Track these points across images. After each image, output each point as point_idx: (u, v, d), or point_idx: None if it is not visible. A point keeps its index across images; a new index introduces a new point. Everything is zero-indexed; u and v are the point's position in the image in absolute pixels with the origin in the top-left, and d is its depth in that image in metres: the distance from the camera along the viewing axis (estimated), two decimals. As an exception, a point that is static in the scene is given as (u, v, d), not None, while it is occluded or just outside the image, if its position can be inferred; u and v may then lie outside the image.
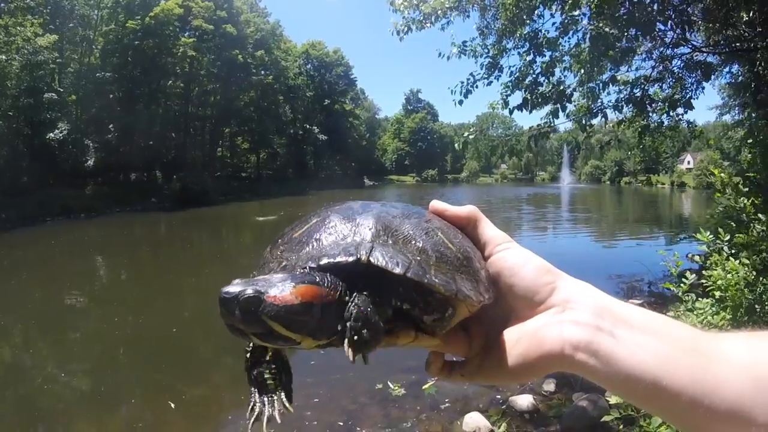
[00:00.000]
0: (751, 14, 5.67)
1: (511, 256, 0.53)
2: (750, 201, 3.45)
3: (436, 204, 0.57)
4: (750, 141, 4.69)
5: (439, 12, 6.23)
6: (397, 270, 0.45)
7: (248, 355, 0.51)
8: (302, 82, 52.81)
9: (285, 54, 47.78)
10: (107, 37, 32.67)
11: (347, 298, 0.45)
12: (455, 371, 0.54)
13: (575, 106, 6.65)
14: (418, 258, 0.47)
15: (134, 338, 7.10)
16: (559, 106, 6.11)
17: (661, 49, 6.67)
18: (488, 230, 0.55)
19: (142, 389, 5.63)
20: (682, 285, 3.22)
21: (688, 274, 3.29)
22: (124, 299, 9.56)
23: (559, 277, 0.50)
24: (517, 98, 6.34)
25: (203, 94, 40.72)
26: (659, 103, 6.54)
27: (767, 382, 0.39)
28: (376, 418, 4.50)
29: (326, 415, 4.56)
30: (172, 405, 4.93)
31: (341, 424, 4.43)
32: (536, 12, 6.03)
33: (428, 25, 6.32)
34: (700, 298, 3.21)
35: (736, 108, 15.38)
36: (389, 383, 4.95)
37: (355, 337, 0.42)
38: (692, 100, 6.52)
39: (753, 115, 7.20)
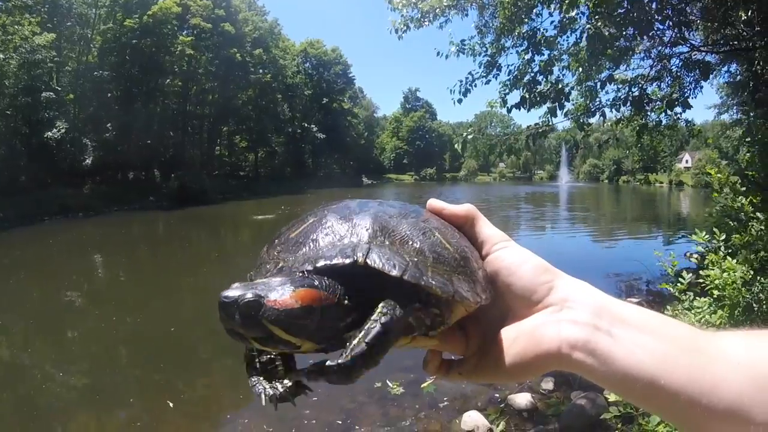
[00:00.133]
0: (749, 13, 5.67)
1: (509, 255, 0.52)
2: (748, 200, 3.46)
3: (434, 203, 0.57)
4: (748, 140, 4.71)
5: (438, 10, 6.22)
6: (394, 272, 0.45)
7: None
8: (300, 80, 52.75)
9: (283, 52, 47.69)
10: (105, 35, 32.56)
11: (346, 301, 0.45)
12: (453, 370, 0.53)
13: (573, 104, 6.66)
14: (415, 259, 0.47)
15: (133, 337, 7.09)
16: (556, 104, 6.11)
17: (660, 48, 6.67)
18: (486, 229, 0.55)
19: (141, 388, 5.63)
20: (679, 284, 3.23)
21: (685, 273, 3.29)
22: (122, 298, 9.54)
23: (557, 276, 0.50)
24: (515, 97, 6.36)
25: (201, 92, 40.66)
26: (657, 102, 6.54)
27: (766, 380, 0.39)
28: (375, 416, 4.50)
29: (325, 414, 4.56)
30: (171, 404, 4.93)
31: (340, 422, 4.43)
32: (534, 11, 6.03)
33: (426, 23, 6.32)
34: (698, 297, 3.21)
35: (735, 107, 15.40)
36: (388, 382, 4.96)
37: (360, 355, 0.41)
38: (691, 99, 6.53)
39: (751, 114, 7.21)
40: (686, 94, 6.72)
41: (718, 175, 3.60)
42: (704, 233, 3.28)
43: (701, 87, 6.84)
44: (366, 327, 0.43)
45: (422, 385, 4.80)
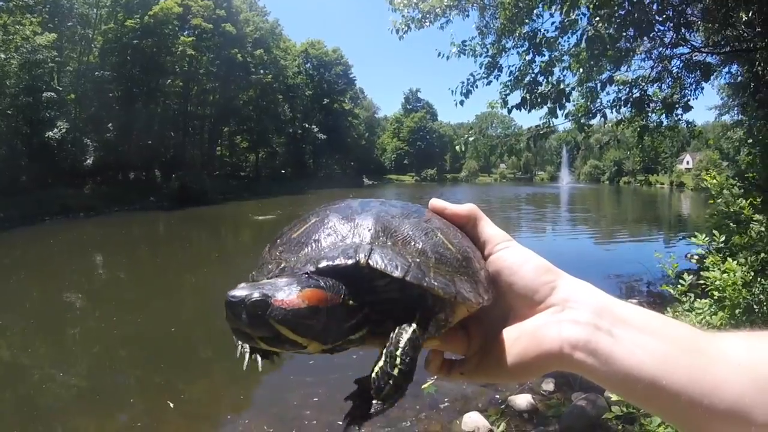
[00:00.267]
0: (750, 14, 5.66)
1: (511, 255, 0.52)
2: (748, 201, 3.45)
3: (436, 202, 0.57)
4: (750, 141, 4.70)
5: (438, 10, 6.22)
6: (397, 273, 0.45)
7: None
8: (301, 81, 52.75)
9: (284, 53, 47.73)
10: (106, 35, 32.57)
11: (351, 301, 0.45)
12: (454, 370, 0.53)
13: (574, 105, 6.66)
14: (418, 260, 0.47)
15: (133, 337, 7.09)
16: (557, 105, 6.11)
17: (660, 49, 6.67)
18: (488, 229, 0.55)
19: (141, 389, 5.64)
20: (680, 286, 3.23)
21: (685, 275, 3.29)
22: (122, 298, 9.55)
23: (558, 276, 0.50)
24: (516, 97, 6.36)
25: (202, 93, 40.67)
26: (658, 104, 6.54)
27: (766, 382, 0.39)
28: (375, 417, 4.49)
29: (325, 414, 4.57)
30: (171, 404, 4.93)
31: (340, 423, 4.42)
32: (535, 12, 6.02)
33: (427, 24, 6.32)
34: (698, 299, 3.21)
35: (736, 108, 15.37)
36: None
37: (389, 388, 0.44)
38: (691, 100, 6.54)
39: (752, 115, 7.19)
40: (687, 96, 6.72)
41: (713, 181, 3.59)
42: (704, 236, 3.28)
43: (702, 88, 6.85)
44: (388, 361, 0.44)
45: (423, 386, 4.79)
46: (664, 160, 62.04)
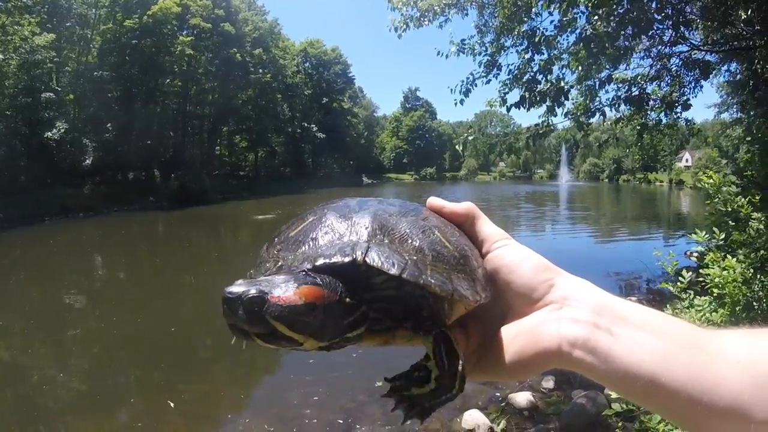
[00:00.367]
0: (749, 12, 5.66)
1: (509, 253, 0.52)
2: (747, 199, 3.46)
3: (434, 201, 0.57)
4: (749, 139, 4.71)
5: (437, 9, 6.23)
6: (393, 271, 0.45)
7: None
8: (300, 80, 52.73)
9: (283, 52, 47.67)
10: (105, 36, 32.55)
11: (348, 299, 0.45)
12: (453, 368, 0.53)
13: (573, 104, 6.66)
14: (415, 258, 0.47)
15: (133, 337, 7.09)
16: (555, 103, 6.11)
17: (660, 47, 6.68)
18: (486, 227, 0.55)
19: (141, 389, 5.64)
20: (679, 283, 3.23)
21: (685, 272, 3.29)
22: (122, 298, 9.55)
23: (557, 274, 0.50)
24: (515, 96, 6.36)
25: (201, 92, 40.63)
26: (657, 102, 6.55)
27: (766, 379, 0.39)
28: (375, 416, 4.50)
29: (325, 413, 4.57)
30: (172, 404, 4.93)
31: (341, 422, 4.44)
32: (534, 10, 6.02)
33: (426, 22, 6.32)
34: (698, 296, 3.21)
35: (735, 106, 15.40)
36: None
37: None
38: (690, 99, 6.55)
39: (751, 113, 7.20)
40: (686, 94, 6.73)
41: (710, 180, 3.59)
42: (704, 233, 3.28)
43: (701, 86, 6.87)
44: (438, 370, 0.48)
45: (423, 385, 4.79)
46: (663, 158, 62.20)
